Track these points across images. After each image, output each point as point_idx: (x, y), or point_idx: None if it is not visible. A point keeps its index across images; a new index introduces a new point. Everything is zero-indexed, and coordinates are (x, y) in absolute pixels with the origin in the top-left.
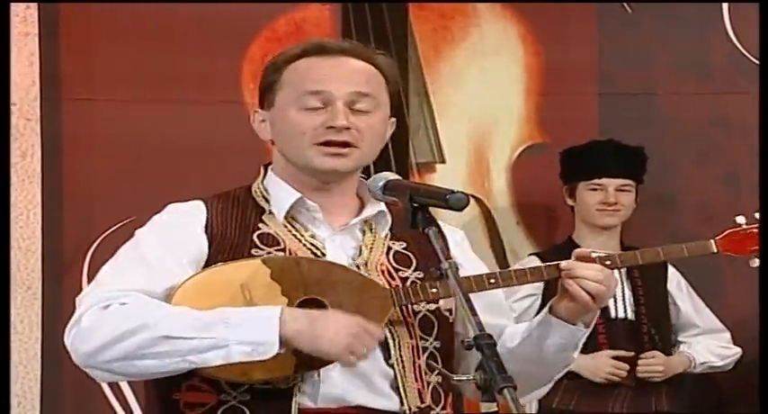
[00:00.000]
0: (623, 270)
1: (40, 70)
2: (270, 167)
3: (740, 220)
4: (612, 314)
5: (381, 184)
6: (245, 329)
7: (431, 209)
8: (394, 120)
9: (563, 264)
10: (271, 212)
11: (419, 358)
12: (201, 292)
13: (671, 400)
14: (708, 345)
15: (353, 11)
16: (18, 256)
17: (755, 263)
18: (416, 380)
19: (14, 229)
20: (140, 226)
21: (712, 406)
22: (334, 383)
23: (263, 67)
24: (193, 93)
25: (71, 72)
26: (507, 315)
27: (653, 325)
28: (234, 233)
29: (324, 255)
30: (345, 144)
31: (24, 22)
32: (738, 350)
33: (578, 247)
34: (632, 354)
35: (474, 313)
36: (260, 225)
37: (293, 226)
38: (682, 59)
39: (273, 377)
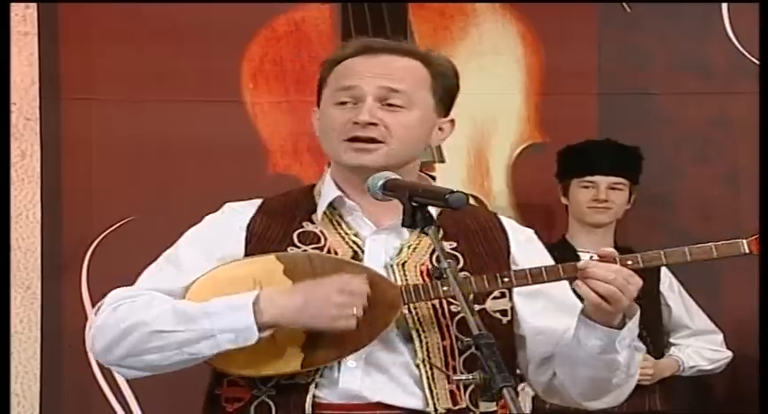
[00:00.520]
0: None
1: (40, 70)
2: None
3: None
4: None
5: (381, 183)
6: (225, 317)
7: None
8: (449, 119)
9: (580, 263)
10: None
11: (453, 359)
12: (216, 286)
13: (664, 400)
14: (698, 348)
15: (353, 10)
16: (17, 256)
17: None
18: (449, 381)
19: (14, 229)
20: (140, 225)
21: (707, 406)
22: (353, 379)
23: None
24: (193, 92)
25: (70, 72)
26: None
27: (644, 327)
28: (276, 231)
29: (362, 253)
30: (371, 140)
31: (24, 22)
32: (729, 354)
33: (571, 246)
34: None
35: (473, 313)
36: (305, 223)
37: (339, 224)
38: (681, 59)
39: (283, 372)
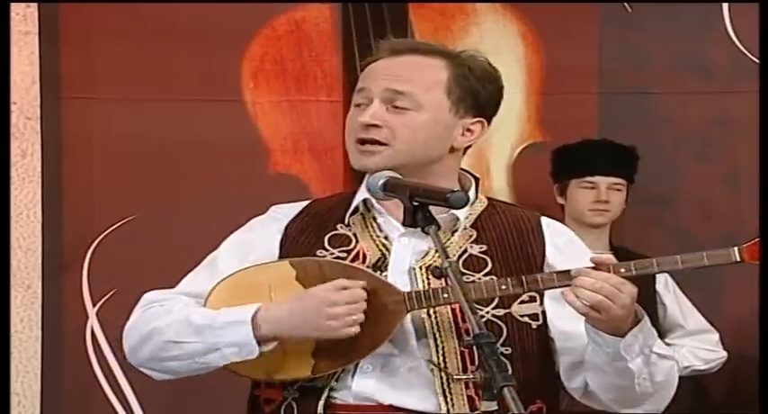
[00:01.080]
0: None
1: (41, 69)
2: None
3: None
4: None
5: (381, 182)
6: (228, 332)
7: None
8: (477, 120)
9: (573, 271)
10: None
11: (472, 364)
12: (232, 292)
13: None
14: (692, 348)
15: (353, 10)
16: (18, 255)
17: None
18: (468, 386)
19: (15, 228)
20: (140, 225)
21: (706, 406)
22: (367, 383)
23: None
24: (193, 91)
25: (71, 71)
26: None
27: None
28: (310, 234)
29: (388, 254)
30: (375, 142)
31: (24, 22)
32: (724, 353)
33: None
34: None
35: (474, 312)
36: (339, 226)
37: (371, 226)
38: (682, 59)
39: (294, 378)
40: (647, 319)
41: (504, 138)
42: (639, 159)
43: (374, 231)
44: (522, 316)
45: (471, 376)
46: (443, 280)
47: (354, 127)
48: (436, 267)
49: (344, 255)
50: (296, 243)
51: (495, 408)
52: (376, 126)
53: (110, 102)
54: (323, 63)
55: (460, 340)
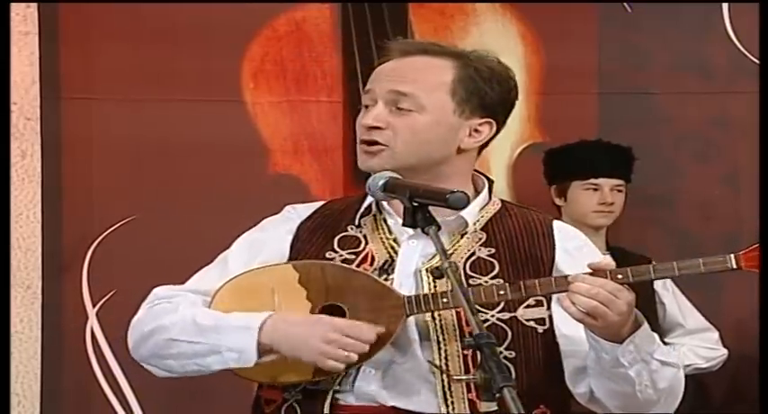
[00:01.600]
0: None
1: (40, 69)
2: None
3: None
4: None
5: (381, 183)
6: (232, 337)
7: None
8: (485, 121)
9: (570, 276)
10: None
11: (475, 367)
12: (236, 294)
13: None
14: (693, 346)
15: (353, 10)
16: (18, 256)
17: None
18: (470, 389)
19: (14, 229)
20: (140, 225)
21: (707, 405)
22: (369, 383)
23: None
24: (193, 92)
25: (71, 71)
26: None
27: None
28: (321, 235)
29: (396, 256)
30: (375, 143)
31: (24, 22)
32: (724, 351)
33: None
34: None
35: (474, 313)
36: (350, 227)
37: (381, 228)
38: (682, 59)
39: (298, 381)
40: (646, 325)
41: (504, 138)
42: (637, 160)
43: (384, 233)
44: (527, 320)
45: (471, 377)
46: (447, 282)
47: (359, 128)
48: (436, 268)
49: (353, 257)
50: (306, 244)
51: (495, 408)
52: (378, 128)
53: (110, 102)
54: (323, 63)
55: (464, 343)
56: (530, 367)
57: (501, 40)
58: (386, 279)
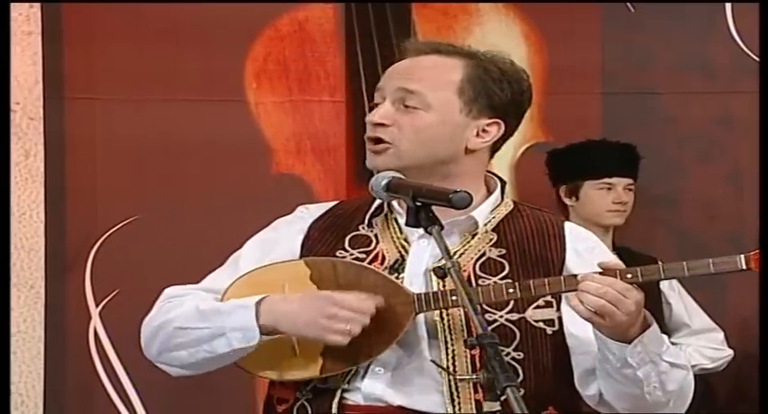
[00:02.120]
0: None
1: (43, 69)
2: None
3: None
4: None
5: (384, 183)
6: (233, 317)
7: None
8: (493, 121)
9: (580, 276)
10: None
11: (482, 366)
12: (247, 290)
13: None
14: (699, 347)
15: (356, 10)
16: (21, 255)
17: None
18: (477, 390)
19: (17, 228)
20: (144, 225)
21: (711, 405)
22: (377, 384)
23: None
24: (196, 91)
25: (74, 71)
26: None
27: None
28: (331, 235)
29: (407, 256)
30: (379, 141)
31: (27, 22)
32: (730, 352)
33: None
34: None
35: (477, 312)
36: (361, 227)
37: (392, 227)
38: (685, 59)
39: (303, 378)
40: (655, 326)
41: None
42: (642, 159)
43: (395, 232)
44: (536, 321)
45: (474, 376)
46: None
47: (367, 126)
48: (438, 268)
49: (364, 256)
50: (317, 242)
51: (498, 409)
52: (383, 125)
53: (113, 102)
54: (326, 63)
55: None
56: (538, 369)
57: (504, 39)
58: (396, 278)
